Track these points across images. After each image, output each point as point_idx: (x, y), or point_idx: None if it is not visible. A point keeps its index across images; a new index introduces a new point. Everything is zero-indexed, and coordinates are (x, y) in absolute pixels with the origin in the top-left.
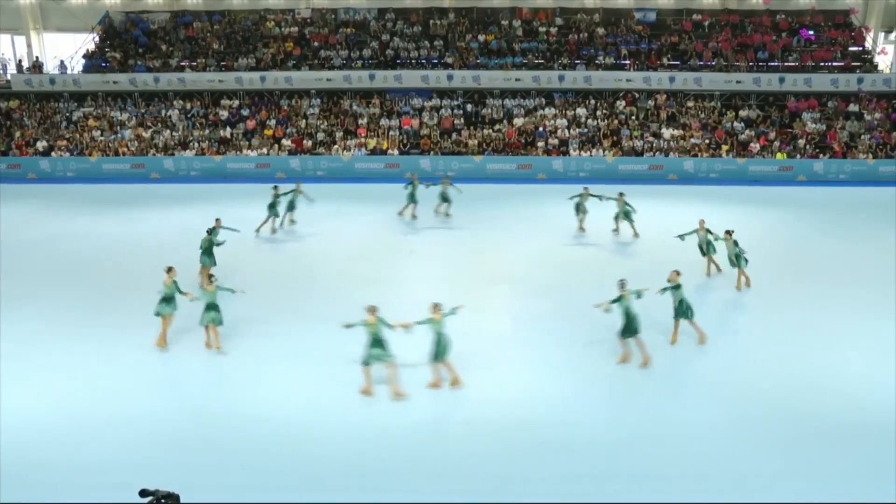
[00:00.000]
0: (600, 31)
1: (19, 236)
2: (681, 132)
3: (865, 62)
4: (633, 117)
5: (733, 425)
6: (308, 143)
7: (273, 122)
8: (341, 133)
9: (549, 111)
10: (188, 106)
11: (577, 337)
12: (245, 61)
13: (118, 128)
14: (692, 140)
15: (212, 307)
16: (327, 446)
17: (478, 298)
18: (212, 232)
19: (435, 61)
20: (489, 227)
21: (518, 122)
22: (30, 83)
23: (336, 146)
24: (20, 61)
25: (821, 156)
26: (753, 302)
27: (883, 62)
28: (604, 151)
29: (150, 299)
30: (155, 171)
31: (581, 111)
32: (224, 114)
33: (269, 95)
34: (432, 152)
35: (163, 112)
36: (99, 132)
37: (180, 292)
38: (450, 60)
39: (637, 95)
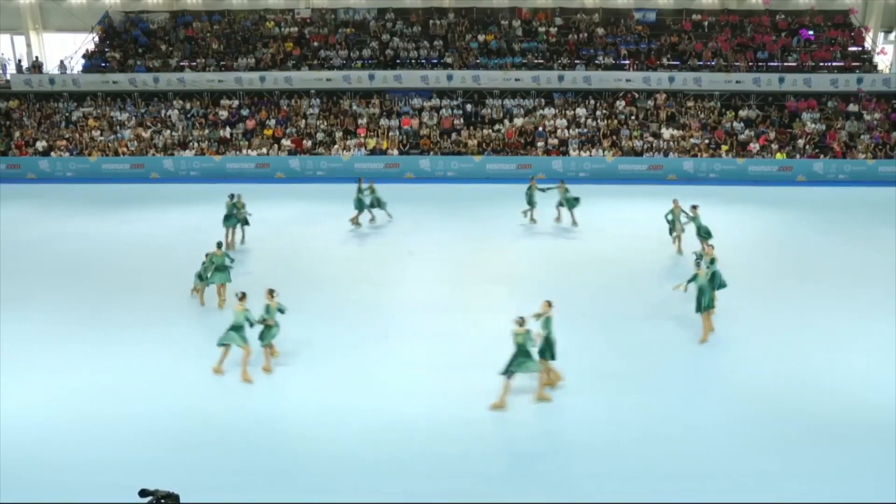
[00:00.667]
0: (600, 31)
1: (19, 236)
2: (680, 132)
3: (865, 62)
4: (633, 117)
5: (733, 425)
6: (308, 143)
7: (273, 122)
8: (341, 133)
9: (549, 111)
10: (188, 106)
11: (576, 337)
12: (245, 61)
13: (118, 128)
14: (692, 140)
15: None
16: (327, 446)
17: (478, 298)
18: (220, 248)
19: (435, 61)
20: (489, 227)
21: (518, 122)
22: (29, 83)
23: (336, 146)
24: (20, 61)
25: (820, 156)
26: (753, 302)
27: (882, 62)
28: (603, 151)
29: (150, 299)
30: (154, 171)
31: (581, 111)
32: (224, 114)
33: (269, 95)
34: (432, 152)
35: (162, 112)
36: (98, 132)
37: (251, 323)
38: (449, 60)
39: (637, 95)
